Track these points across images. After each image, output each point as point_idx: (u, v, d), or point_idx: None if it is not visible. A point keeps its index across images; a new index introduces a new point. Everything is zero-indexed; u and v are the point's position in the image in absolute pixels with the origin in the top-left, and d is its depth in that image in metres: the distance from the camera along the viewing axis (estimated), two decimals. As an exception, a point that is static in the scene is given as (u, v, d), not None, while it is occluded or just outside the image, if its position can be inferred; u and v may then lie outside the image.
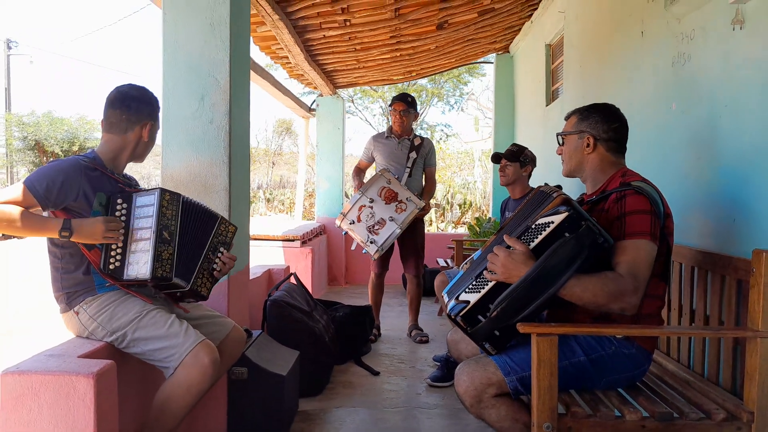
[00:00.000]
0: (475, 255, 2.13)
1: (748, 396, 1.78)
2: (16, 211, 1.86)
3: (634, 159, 2.84)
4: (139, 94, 2.16)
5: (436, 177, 4.52)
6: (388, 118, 21.69)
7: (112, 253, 1.99)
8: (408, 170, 4.19)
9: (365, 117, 21.69)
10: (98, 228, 1.94)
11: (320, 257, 6.19)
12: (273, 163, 28.20)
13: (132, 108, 2.12)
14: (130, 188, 2.14)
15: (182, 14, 2.53)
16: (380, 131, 4.48)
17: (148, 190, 2.11)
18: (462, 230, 11.02)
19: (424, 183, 4.36)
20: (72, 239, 1.92)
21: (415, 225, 4.13)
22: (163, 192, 2.05)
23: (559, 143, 2.13)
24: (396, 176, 4.05)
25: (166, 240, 2.01)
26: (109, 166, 2.12)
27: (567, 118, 2.14)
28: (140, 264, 1.97)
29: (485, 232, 6.00)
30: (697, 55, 2.43)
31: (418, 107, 4.52)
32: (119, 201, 2.05)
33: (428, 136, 13.52)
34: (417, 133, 4.39)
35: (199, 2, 2.52)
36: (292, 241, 5.45)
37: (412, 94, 4.39)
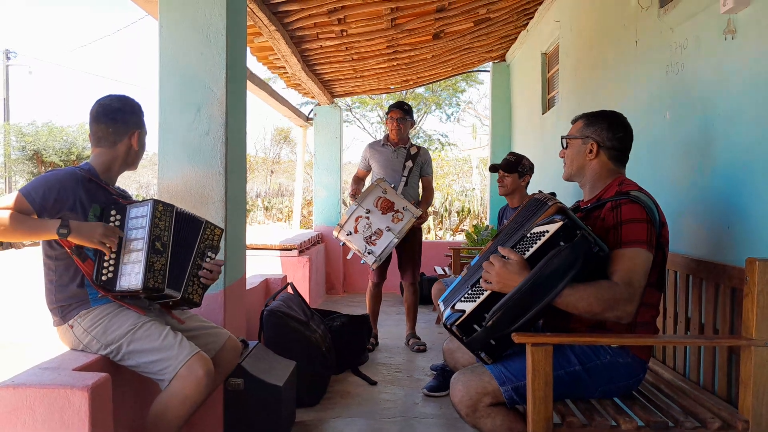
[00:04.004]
0: (473, 261, 2.13)
1: (743, 404, 1.78)
2: (9, 215, 1.85)
3: (629, 167, 2.84)
4: (121, 105, 2.15)
5: (434, 185, 4.52)
6: (384, 126, 21.67)
7: (105, 264, 1.99)
8: (404, 179, 4.19)
9: (363, 125, 21.74)
10: (97, 230, 1.94)
11: (318, 266, 6.19)
12: (271, 172, 28.24)
13: (118, 120, 2.13)
14: (124, 200, 2.15)
15: (178, 26, 2.54)
16: (377, 139, 4.48)
17: (141, 201, 2.11)
18: (460, 238, 11.02)
19: (421, 192, 4.37)
20: (69, 238, 1.90)
21: (413, 233, 4.13)
22: (156, 203, 2.05)
23: (563, 146, 2.13)
24: (392, 185, 4.05)
25: (159, 251, 2.01)
26: (103, 177, 2.13)
27: (574, 121, 2.14)
28: (132, 275, 1.97)
29: (483, 239, 6.00)
30: (690, 65, 2.45)
31: (415, 116, 4.51)
32: (113, 213, 2.05)
33: (426, 146, 13.54)
34: (414, 142, 4.40)
35: (195, 14, 2.53)
36: (290, 250, 5.45)
37: (409, 103, 4.40)
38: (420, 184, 4.39)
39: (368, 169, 4.41)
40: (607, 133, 2.01)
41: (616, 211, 1.85)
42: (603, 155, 2.01)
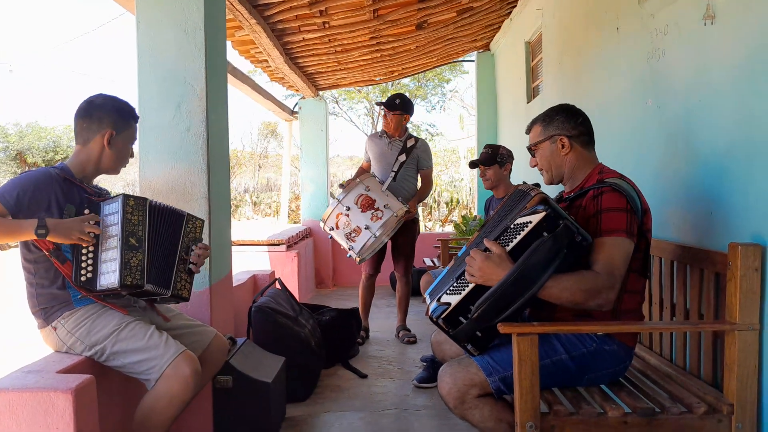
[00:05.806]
0: (461, 252, 2.13)
1: (728, 388, 1.80)
2: None
3: (612, 155, 2.86)
4: (102, 103, 2.10)
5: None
6: (373, 118, 21.70)
7: (83, 265, 1.96)
8: (392, 174, 4.15)
9: (350, 118, 21.66)
10: (75, 227, 1.91)
11: (307, 261, 6.17)
12: (259, 166, 28.09)
13: (93, 117, 2.08)
14: (98, 198, 2.10)
15: (156, 21, 2.51)
16: (376, 131, 4.43)
17: (113, 197, 2.07)
18: (449, 228, 11.05)
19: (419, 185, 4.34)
20: (48, 238, 1.86)
21: (410, 226, 4.12)
22: (126, 198, 2.00)
23: (531, 155, 2.14)
24: (381, 179, 4.01)
25: (134, 246, 1.97)
26: (78, 176, 2.08)
27: (528, 131, 2.14)
28: (110, 273, 1.93)
29: (471, 230, 6.01)
30: (671, 51, 2.45)
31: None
32: (87, 212, 2.01)
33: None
34: (412, 134, 4.32)
35: (172, 9, 2.50)
36: (278, 245, 5.42)
37: (405, 95, 4.34)
38: (418, 177, 4.35)
39: (369, 161, 4.37)
40: (569, 123, 2.02)
41: (597, 199, 1.85)
42: (576, 145, 2.02)
